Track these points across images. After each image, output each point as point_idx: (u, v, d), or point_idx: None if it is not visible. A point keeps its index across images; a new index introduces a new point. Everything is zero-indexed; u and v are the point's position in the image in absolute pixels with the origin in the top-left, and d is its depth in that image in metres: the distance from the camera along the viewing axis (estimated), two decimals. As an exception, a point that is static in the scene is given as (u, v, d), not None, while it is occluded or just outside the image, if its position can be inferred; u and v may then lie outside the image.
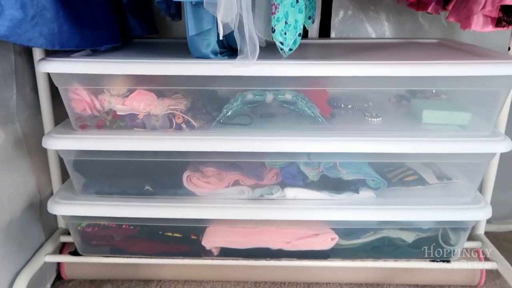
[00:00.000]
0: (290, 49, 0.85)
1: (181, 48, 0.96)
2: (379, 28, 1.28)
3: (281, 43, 0.84)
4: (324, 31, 1.27)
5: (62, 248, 1.12)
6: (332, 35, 1.28)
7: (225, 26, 0.82)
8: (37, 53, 0.97)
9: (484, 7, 0.81)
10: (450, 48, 1.05)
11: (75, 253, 1.03)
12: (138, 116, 0.90)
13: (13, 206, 0.96)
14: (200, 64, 0.83)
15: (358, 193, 0.94)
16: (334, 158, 0.92)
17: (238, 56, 0.82)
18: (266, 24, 0.89)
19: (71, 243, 1.09)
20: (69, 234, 1.06)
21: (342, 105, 1.02)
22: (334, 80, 0.91)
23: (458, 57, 0.93)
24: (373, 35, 1.29)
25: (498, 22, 0.83)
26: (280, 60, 0.84)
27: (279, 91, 0.92)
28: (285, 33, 0.83)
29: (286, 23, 0.82)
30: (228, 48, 0.94)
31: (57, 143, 0.88)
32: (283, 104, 0.94)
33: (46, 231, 1.09)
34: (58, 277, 1.14)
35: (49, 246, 1.05)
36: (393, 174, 0.99)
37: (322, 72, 0.84)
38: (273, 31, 0.83)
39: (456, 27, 1.23)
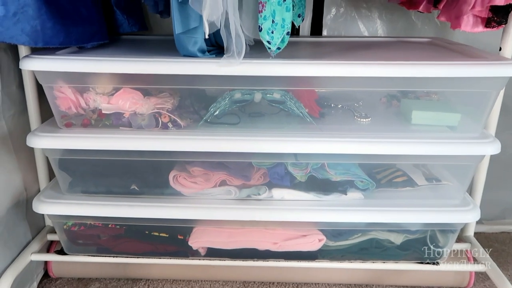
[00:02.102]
0: (278, 48, 0.83)
1: (171, 46, 0.94)
2: (371, 26, 1.27)
3: (268, 42, 0.82)
4: (316, 28, 1.26)
5: (49, 247, 1.11)
6: (324, 33, 1.27)
7: (211, 24, 0.80)
8: (23, 50, 0.96)
9: (473, 7, 0.80)
10: (441, 48, 1.04)
11: (61, 252, 1.02)
12: (124, 115, 0.89)
13: (-2, 204, 0.95)
14: (185, 63, 0.82)
15: (346, 194, 0.93)
16: (322, 159, 0.91)
17: (224, 55, 0.81)
18: (255, 22, 0.88)
19: (59, 242, 1.08)
20: (56, 232, 1.05)
21: (332, 105, 1.01)
22: (323, 80, 0.90)
23: (449, 57, 0.91)
24: (366, 33, 1.28)
25: (487, 23, 0.81)
26: (267, 60, 0.83)
27: (268, 91, 0.91)
28: (272, 32, 0.82)
29: (273, 21, 0.81)
30: (217, 46, 0.92)
31: (42, 141, 0.87)
32: (272, 104, 0.93)
33: (33, 230, 1.08)
34: (46, 275, 1.14)
35: (36, 245, 1.05)
36: (382, 175, 0.99)
37: (310, 72, 0.82)
38: (260, 30, 0.82)
39: (449, 26, 1.22)
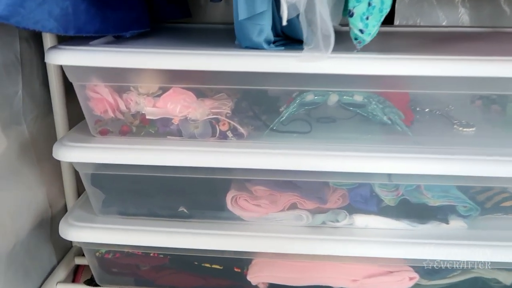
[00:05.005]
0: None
1: (220, 36, 0.81)
2: (452, 14, 1.08)
3: (361, 31, 0.65)
4: (387, 17, 1.07)
5: (76, 271, 0.96)
6: (396, 22, 1.09)
7: (291, 7, 0.63)
8: (48, 40, 0.80)
9: None
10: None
11: (92, 282, 0.86)
12: (172, 121, 0.72)
13: (19, 226, 0.80)
14: (255, 57, 0.64)
15: (447, 223, 0.75)
16: (420, 180, 0.73)
17: (304, 48, 0.63)
18: (333, 5, 0.70)
19: (88, 266, 0.92)
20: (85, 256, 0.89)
21: (419, 109, 0.83)
22: (420, 80, 0.72)
23: None
24: (444, 22, 1.09)
25: None
26: (358, 54, 0.65)
27: (347, 92, 0.73)
28: (367, 18, 0.65)
29: (369, 4, 0.64)
30: (282, 35, 0.75)
31: (72, 154, 0.71)
32: (348, 107, 0.75)
33: (58, 252, 0.93)
34: (72, 304, 0.98)
35: (61, 272, 0.89)
36: (484, 197, 0.80)
37: (425, 71, 0.64)
38: (351, 15, 0.64)
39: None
